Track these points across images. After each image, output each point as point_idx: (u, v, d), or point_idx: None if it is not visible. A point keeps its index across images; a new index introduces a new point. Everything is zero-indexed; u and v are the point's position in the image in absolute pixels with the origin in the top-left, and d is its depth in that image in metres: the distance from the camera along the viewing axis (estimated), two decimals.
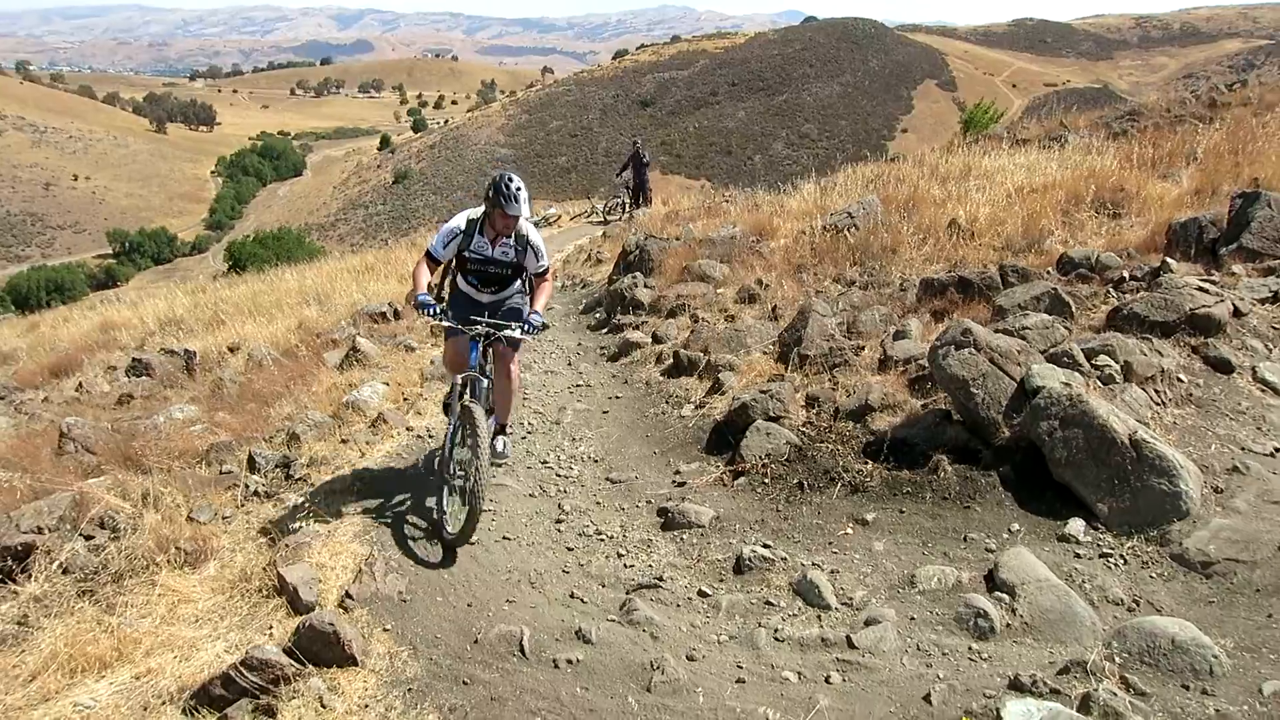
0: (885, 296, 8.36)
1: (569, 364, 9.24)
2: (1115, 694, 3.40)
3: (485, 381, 5.29)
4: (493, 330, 5.20)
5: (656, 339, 8.77)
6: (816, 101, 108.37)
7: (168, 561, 4.79)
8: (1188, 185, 10.02)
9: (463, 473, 5.09)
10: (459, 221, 5.32)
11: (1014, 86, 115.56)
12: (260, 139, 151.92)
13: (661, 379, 7.85)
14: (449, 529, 5.05)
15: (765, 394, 6.36)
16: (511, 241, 5.30)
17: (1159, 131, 13.60)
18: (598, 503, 5.97)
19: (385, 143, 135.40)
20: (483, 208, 5.29)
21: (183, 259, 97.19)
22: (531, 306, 5.42)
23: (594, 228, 19.70)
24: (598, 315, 11.10)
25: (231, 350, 10.84)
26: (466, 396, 5.21)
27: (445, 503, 5.18)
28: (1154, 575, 4.46)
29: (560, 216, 22.74)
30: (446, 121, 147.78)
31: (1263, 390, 5.83)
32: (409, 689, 3.92)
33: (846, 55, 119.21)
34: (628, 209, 20.47)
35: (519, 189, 5.06)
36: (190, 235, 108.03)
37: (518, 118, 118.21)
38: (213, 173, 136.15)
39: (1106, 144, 12.80)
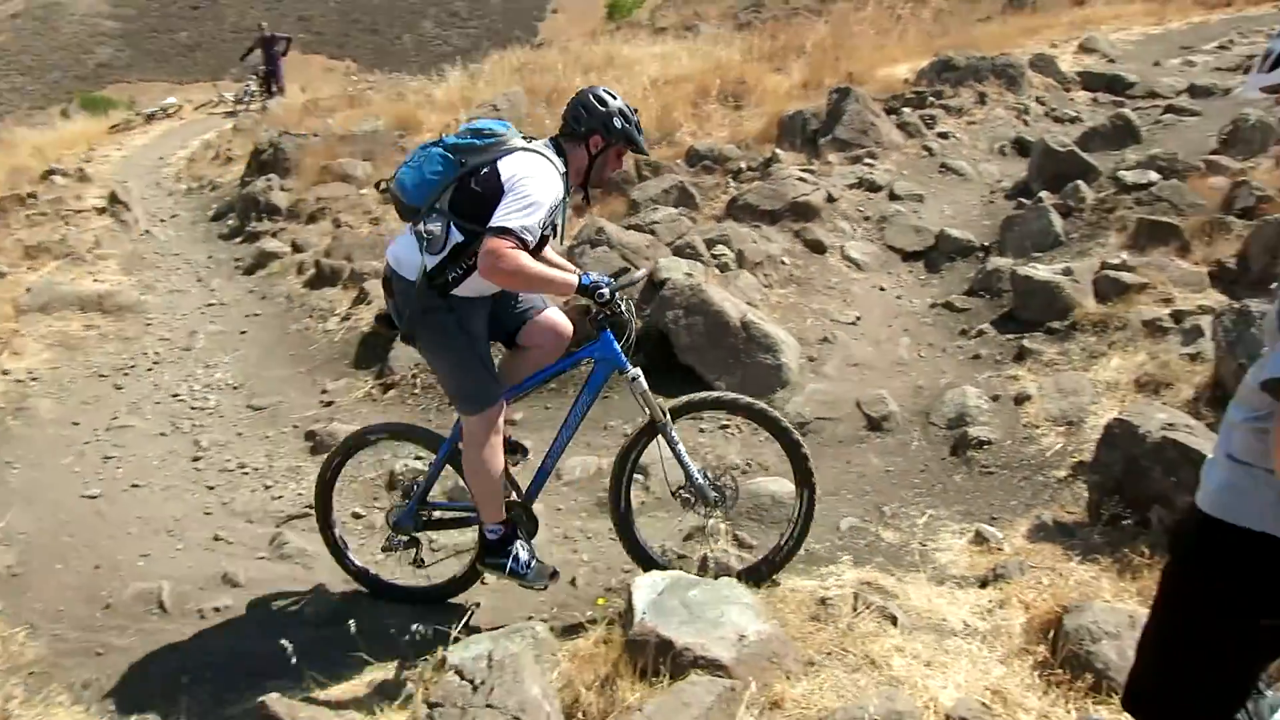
0: None
1: (199, 280, 8.36)
2: (726, 551, 3.90)
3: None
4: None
5: (296, 247, 8.21)
6: None
7: None
8: (797, 79, 11.08)
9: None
10: (551, 180, 3.14)
11: None
12: None
13: (304, 291, 7.41)
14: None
15: None
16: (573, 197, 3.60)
17: (777, 24, 14.86)
18: (239, 434, 5.58)
19: None
20: (536, 145, 3.26)
21: None
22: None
23: (223, 120, 17.50)
24: (230, 223, 10.04)
25: None
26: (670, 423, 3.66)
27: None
28: (762, 440, 5.10)
29: (181, 107, 19.82)
30: None
31: (849, 267, 6.75)
32: (31, 673, 3.47)
33: None
34: (260, 98, 18.50)
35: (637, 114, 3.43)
36: None
37: None
38: None
39: (734, 35, 13.77)
